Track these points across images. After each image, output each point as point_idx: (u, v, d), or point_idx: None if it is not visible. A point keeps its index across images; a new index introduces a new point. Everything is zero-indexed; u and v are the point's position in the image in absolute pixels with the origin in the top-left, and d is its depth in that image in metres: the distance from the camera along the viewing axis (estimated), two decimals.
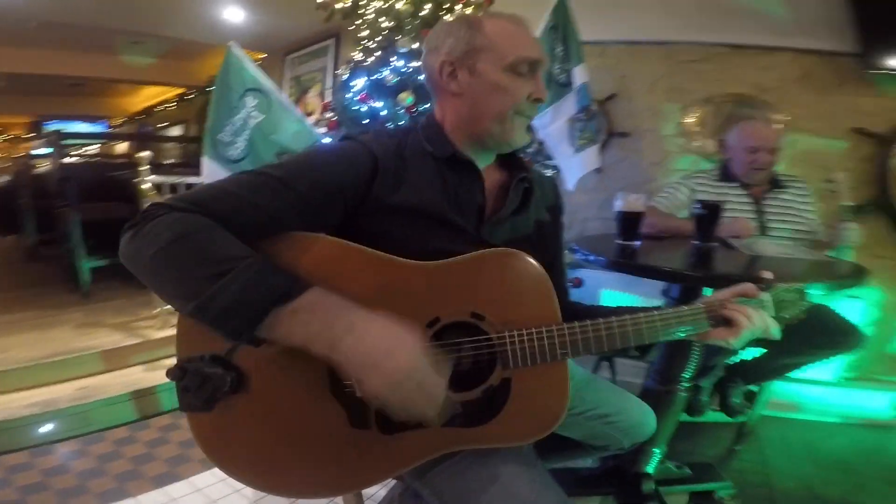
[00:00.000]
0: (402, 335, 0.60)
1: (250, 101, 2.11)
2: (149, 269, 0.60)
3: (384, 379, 0.58)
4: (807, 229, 1.83)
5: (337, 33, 2.96)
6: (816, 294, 1.12)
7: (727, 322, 0.76)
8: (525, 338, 0.70)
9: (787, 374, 1.77)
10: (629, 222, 1.45)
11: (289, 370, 0.67)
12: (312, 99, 3.16)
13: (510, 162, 0.91)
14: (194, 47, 4.63)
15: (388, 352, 0.59)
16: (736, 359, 1.73)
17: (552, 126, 2.28)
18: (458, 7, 1.77)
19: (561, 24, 2.19)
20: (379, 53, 1.88)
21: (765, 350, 1.75)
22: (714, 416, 1.96)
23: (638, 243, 1.47)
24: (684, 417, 1.58)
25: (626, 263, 1.33)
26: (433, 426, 0.68)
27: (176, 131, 7.90)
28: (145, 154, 2.55)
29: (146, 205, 0.71)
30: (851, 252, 1.72)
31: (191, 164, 3.21)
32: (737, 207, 1.78)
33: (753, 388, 1.82)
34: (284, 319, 0.58)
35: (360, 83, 1.90)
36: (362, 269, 0.69)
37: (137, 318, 2.75)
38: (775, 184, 1.87)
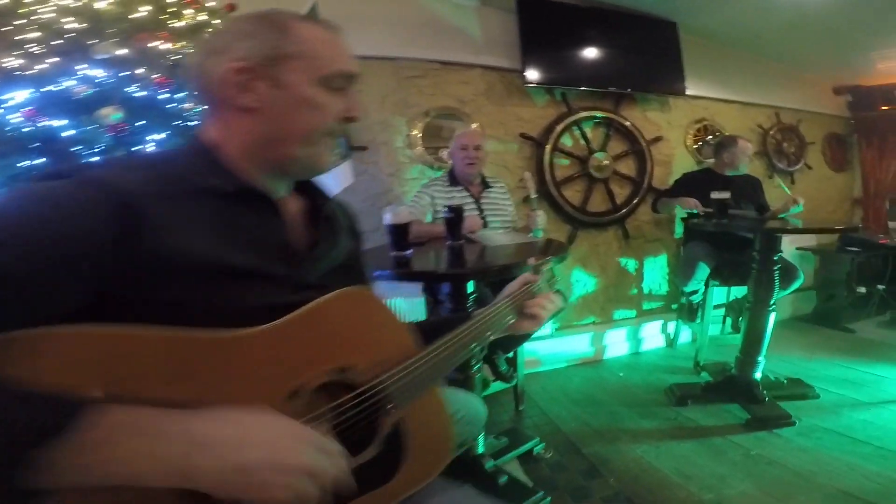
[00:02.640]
0: (264, 420, 0.50)
1: None
2: None
3: (281, 482, 0.47)
4: (510, 219, 2.38)
5: None
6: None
7: (531, 315, 0.89)
8: (400, 375, 0.66)
9: (529, 337, 2.25)
10: (400, 234, 1.60)
11: None
12: None
13: (304, 186, 0.78)
14: None
15: (268, 445, 0.48)
16: None
17: None
18: (187, 12, 1.51)
19: None
20: (55, 60, 1.46)
21: None
22: (494, 386, 2.32)
23: (409, 252, 1.63)
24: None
25: (410, 273, 1.47)
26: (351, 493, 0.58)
27: None
28: None
29: None
30: (542, 233, 2.30)
31: None
32: (465, 207, 2.15)
33: (509, 354, 2.26)
34: (73, 457, 0.41)
35: (21, 96, 1.44)
36: (165, 361, 0.49)
37: None
38: (485, 184, 2.35)
